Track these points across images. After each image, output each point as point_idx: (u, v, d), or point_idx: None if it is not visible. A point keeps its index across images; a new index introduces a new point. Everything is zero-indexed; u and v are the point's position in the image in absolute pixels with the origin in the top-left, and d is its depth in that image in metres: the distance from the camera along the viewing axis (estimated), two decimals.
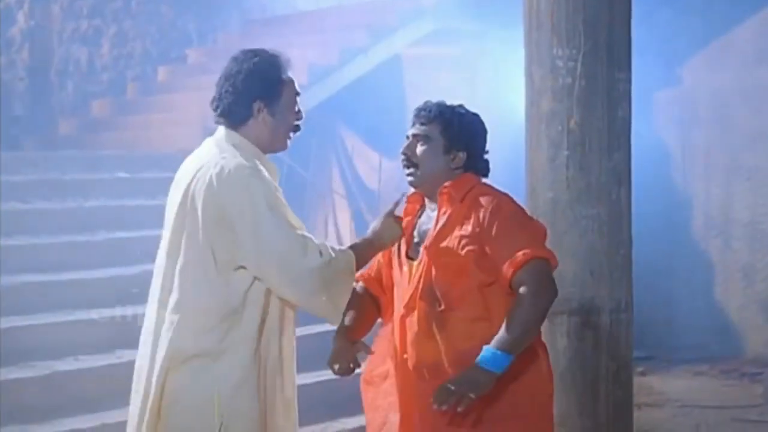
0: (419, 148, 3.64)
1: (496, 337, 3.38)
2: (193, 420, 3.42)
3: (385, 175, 10.58)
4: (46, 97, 10.26)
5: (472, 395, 3.31)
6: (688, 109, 9.84)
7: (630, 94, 4.90)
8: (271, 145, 3.62)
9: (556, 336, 4.82)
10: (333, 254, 3.48)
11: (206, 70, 10.43)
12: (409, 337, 3.59)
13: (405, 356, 3.60)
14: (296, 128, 3.65)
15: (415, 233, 3.68)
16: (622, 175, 4.86)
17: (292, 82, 3.61)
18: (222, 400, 3.37)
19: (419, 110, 3.69)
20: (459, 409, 3.32)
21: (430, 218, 3.64)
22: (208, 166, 3.48)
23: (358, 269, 3.60)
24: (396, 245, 3.73)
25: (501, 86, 9.54)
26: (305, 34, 10.79)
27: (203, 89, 9.69)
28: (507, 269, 3.44)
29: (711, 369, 8.93)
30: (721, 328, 9.61)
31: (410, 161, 3.65)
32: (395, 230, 3.65)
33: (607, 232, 4.80)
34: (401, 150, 3.68)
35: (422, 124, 3.66)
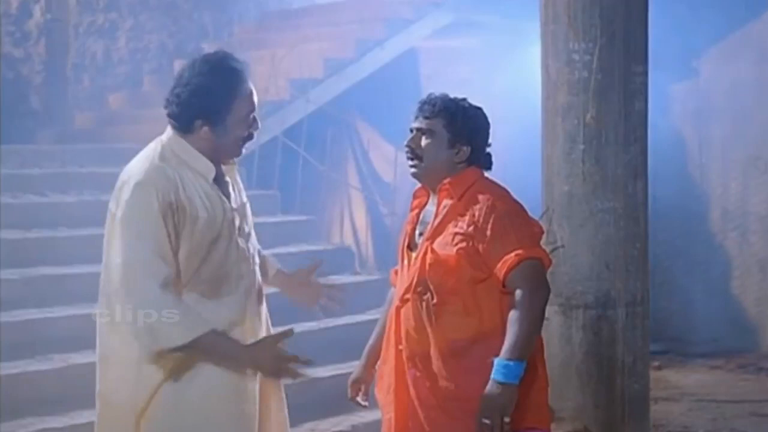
0: (423, 142, 3.65)
1: (504, 348, 3.42)
2: None
3: (401, 169, 10.56)
4: (63, 90, 10.29)
5: (506, 419, 3.38)
6: (705, 102, 9.80)
7: (646, 87, 4.90)
8: (218, 154, 3.51)
9: (571, 329, 4.83)
10: (173, 302, 3.30)
11: None
12: (404, 328, 3.64)
13: (400, 347, 3.65)
14: (249, 138, 3.55)
15: (418, 226, 3.72)
16: (638, 169, 4.86)
17: (246, 97, 3.48)
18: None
19: (423, 103, 3.70)
20: None
21: (431, 212, 3.67)
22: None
23: (198, 349, 3.35)
24: (402, 238, 3.77)
25: (517, 79, 9.51)
26: (322, 26, 10.79)
27: None
28: (500, 270, 3.48)
29: (727, 363, 8.91)
30: (738, 322, 9.58)
31: (414, 154, 3.67)
32: (264, 359, 3.45)
33: (623, 225, 4.80)
34: (405, 143, 3.70)
35: (426, 117, 3.66)
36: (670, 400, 7.63)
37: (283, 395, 3.71)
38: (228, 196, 3.54)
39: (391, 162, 10.81)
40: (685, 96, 9.87)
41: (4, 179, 7.28)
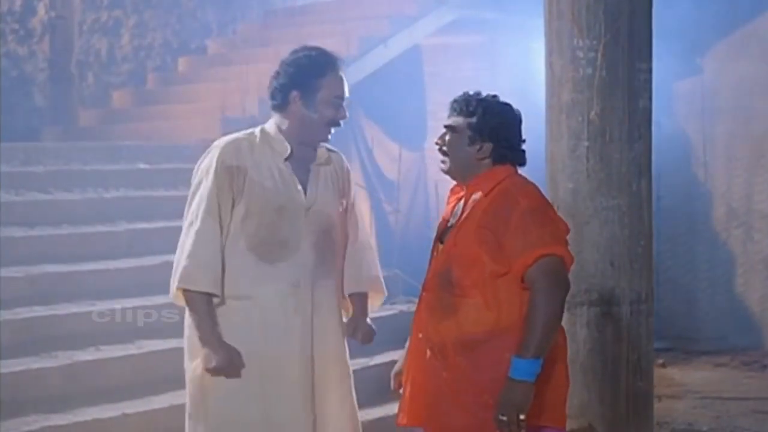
0: (447, 138, 3.75)
1: (521, 345, 3.46)
2: None
3: (405, 166, 10.57)
4: (67, 88, 10.28)
5: (522, 416, 3.44)
6: (710, 100, 9.79)
7: (651, 84, 4.89)
8: (308, 135, 3.89)
9: (576, 326, 4.82)
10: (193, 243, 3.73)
11: (226, 61, 10.44)
12: (425, 317, 3.71)
13: (420, 335, 3.72)
14: (334, 123, 3.90)
15: (451, 219, 3.77)
16: (642, 166, 4.85)
17: (335, 82, 3.85)
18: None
19: (452, 102, 3.79)
20: None
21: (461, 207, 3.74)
22: None
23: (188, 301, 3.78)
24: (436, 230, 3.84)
25: (521, 77, 9.52)
26: (325, 24, 10.79)
27: (223, 80, 9.69)
28: (519, 265, 3.52)
29: (732, 360, 8.91)
30: (742, 320, 9.58)
31: (442, 150, 3.76)
32: (217, 355, 3.77)
33: (627, 222, 4.80)
34: (435, 141, 3.81)
35: (452, 115, 3.76)
36: (674, 398, 7.63)
37: (350, 387, 4.03)
38: (304, 182, 3.87)
39: (395, 160, 10.81)
40: (690, 93, 9.86)
41: (7, 176, 7.29)
